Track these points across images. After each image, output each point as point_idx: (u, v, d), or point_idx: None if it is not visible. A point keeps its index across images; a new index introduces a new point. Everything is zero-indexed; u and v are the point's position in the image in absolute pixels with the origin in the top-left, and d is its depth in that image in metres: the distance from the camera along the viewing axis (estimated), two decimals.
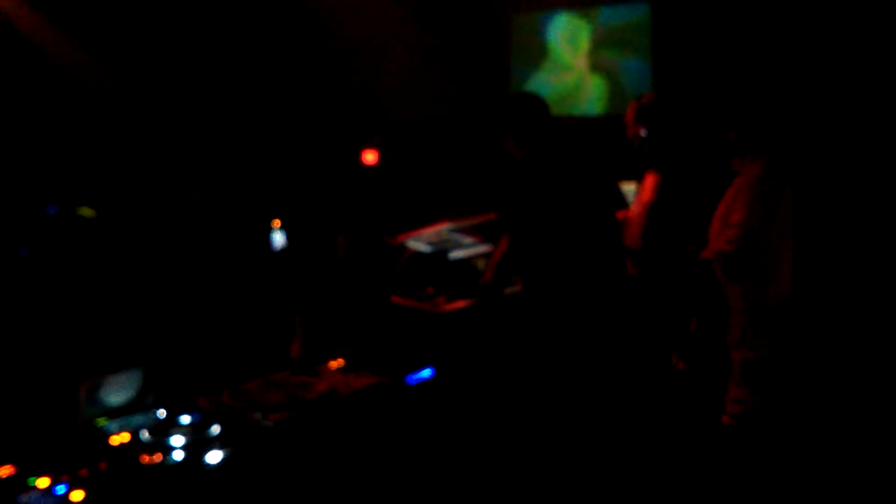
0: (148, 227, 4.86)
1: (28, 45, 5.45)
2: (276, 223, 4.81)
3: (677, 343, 3.55)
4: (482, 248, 3.98)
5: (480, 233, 4.06)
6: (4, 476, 2.36)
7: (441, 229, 4.14)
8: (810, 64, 4.50)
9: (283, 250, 4.67)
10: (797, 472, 3.17)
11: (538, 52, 6.20)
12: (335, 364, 3.29)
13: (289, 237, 4.73)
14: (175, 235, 4.74)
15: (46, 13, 5.55)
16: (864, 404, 3.73)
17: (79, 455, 2.46)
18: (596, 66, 5.98)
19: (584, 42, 6.02)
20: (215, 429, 2.66)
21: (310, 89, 6.43)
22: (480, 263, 3.93)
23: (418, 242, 4.02)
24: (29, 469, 2.38)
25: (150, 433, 2.61)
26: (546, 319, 3.32)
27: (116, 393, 2.74)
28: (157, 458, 2.50)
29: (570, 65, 6.10)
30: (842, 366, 3.96)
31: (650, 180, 3.70)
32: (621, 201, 3.73)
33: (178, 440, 2.58)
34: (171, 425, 2.67)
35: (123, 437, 2.60)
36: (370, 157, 6.38)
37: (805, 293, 3.35)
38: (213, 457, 2.54)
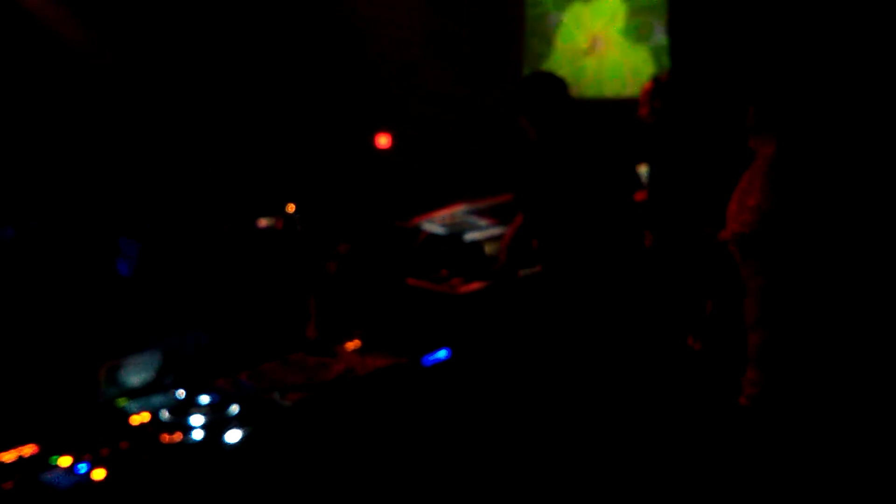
0: (165, 209, 4.88)
1: (45, 34, 5.47)
2: (291, 207, 4.83)
3: (694, 324, 3.54)
4: (497, 230, 3.97)
5: (495, 215, 4.05)
6: (27, 455, 2.39)
7: (456, 211, 4.14)
8: (833, 41, 4.45)
9: (299, 233, 4.69)
10: (814, 455, 3.16)
11: (552, 33, 6.16)
12: (352, 345, 3.30)
13: (304, 221, 4.74)
14: (192, 218, 4.77)
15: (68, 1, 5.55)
16: (883, 389, 3.71)
17: (100, 434, 2.49)
18: (611, 48, 5.94)
19: (599, 22, 5.98)
20: (234, 409, 2.69)
21: (323, 73, 6.42)
22: (489, 247, 3.93)
23: (433, 224, 4.02)
24: (51, 448, 2.41)
25: (169, 413, 2.64)
26: (563, 299, 3.32)
27: (136, 374, 2.77)
28: (177, 437, 2.52)
29: (584, 46, 6.06)
30: (861, 350, 3.93)
31: None
32: (637, 182, 3.72)
33: (197, 420, 2.61)
34: (190, 405, 2.70)
35: (144, 417, 2.63)
36: (384, 140, 6.38)
37: (824, 276, 3.33)
38: (232, 436, 2.57)
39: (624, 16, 5.84)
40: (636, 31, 5.80)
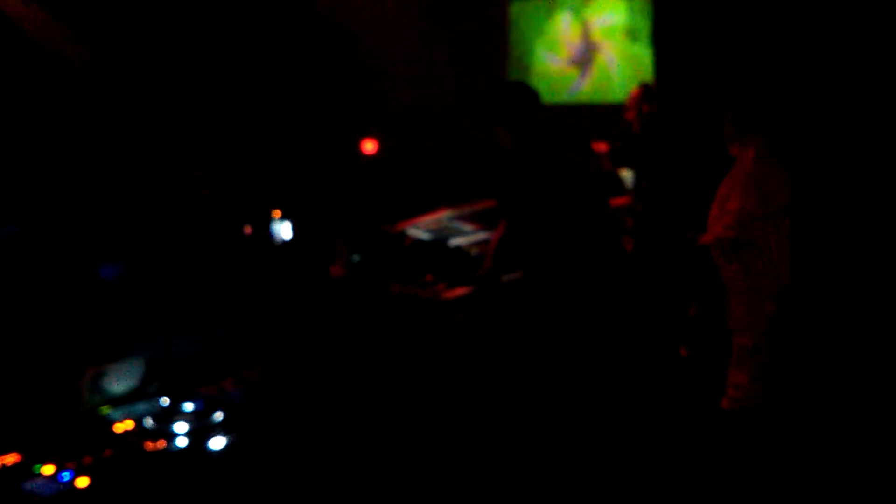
0: (151, 216, 4.87)
1: (29, 41, 5.45)
2: (277, 213, 4.82)
3: (678, 328, 3.56)
4: (482, 236, 3.98)
5: (480, 220, 4.06)
6: (10, 463, 2.38)
7: (441, 217, 4.15)
8: (810, 47, 4.49)
9: (284, 240, 4.68)
10: (795, 457, 3.19)
11: (536, 39, 6.19)
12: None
13: (290, 226, 4.74)
14: (178, 225, 4.75)
15: (46, 4, 5.53)
16: (863, 390, 3.74)
17: (83, 442, 2.49)
18: (595, 54, 5.97)
19: (583, 28, 6.01)
20: (218, 416, 2.69)
21: (308, 79, 6.42)
22: (473, 251, 3.94)
23: (418, 230, 4.03)
24: (34, 456, 2.40)
25: (153, 420, 2.64)
26: (545, 305, 3.33)
27: (120, 381, 2.76)
28: (161, 444, 2.52)
29: (569, 52, 6.08)
30: (841, 351, 3.97)
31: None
32: (618, 187, 3.73)
33: (181, 427, 2.61)
34: (174, 412, 2.70)
35: (127, 425, 2.63)
36: (369, 146, 6.38)
37: (804, 278, 3.36)
38: (216, 443, 2.57)
39: (611, 20, 5.87)
40: (623, 36, 5.83)
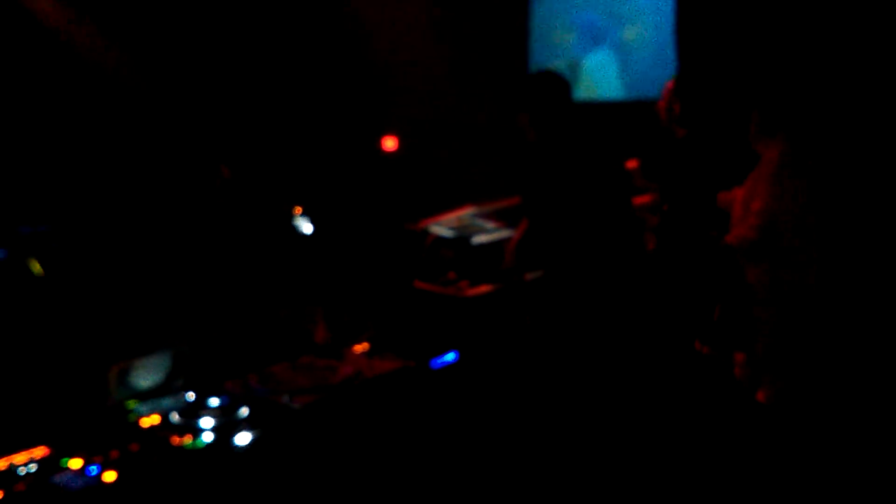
0: (177, 212, 4.91)
1: (49, 33, 5.49)
2: (299, 210, 4.84)
3: (701, 329, 3.54)
4: (505, 233, 3.98)
5: (503, 217, 4.06)
6: (39, 457, 2.41)
7: (463, 214, 4.15)
8: (836, 45, 4.44)
9: (306, 236, 4.71)
10: (826, 455, 3.17)
11: (557, 35, 6.16)
12: (360, 348, 3.32)
13: (311, 223, 4.76)
14: (202, 220, 4.79)
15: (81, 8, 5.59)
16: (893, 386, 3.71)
17: (110, 437, 2.51)
18: (616, 49, 5.94)
19: (605, 25, 5.98)
20: (243, 411, 2.70)
21: (329, 76, 6.43)
22: (496, 250, 3.95)
23: (441, 227, 4.04)
24: (62, 450, 2.43)
25: (179, 415, 2.65)
26: (567, 304, 3.32)
27: (146, 376, 2.78)
28: (187, 439, 2.54)
29: (590, 48, 6.05)
30: (870, 349, 3.93)
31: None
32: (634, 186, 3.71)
33: (207, 422, 2.62)
34: (200, 408, 2.71)
35: (154, 420, 2.65)
36: (390, 143, 6.39)
37: (829, 277, 3.33)
38: (242, 438, 2.58)
39: (639, 14, 5.82)
40: (652, 31, 5.78)
